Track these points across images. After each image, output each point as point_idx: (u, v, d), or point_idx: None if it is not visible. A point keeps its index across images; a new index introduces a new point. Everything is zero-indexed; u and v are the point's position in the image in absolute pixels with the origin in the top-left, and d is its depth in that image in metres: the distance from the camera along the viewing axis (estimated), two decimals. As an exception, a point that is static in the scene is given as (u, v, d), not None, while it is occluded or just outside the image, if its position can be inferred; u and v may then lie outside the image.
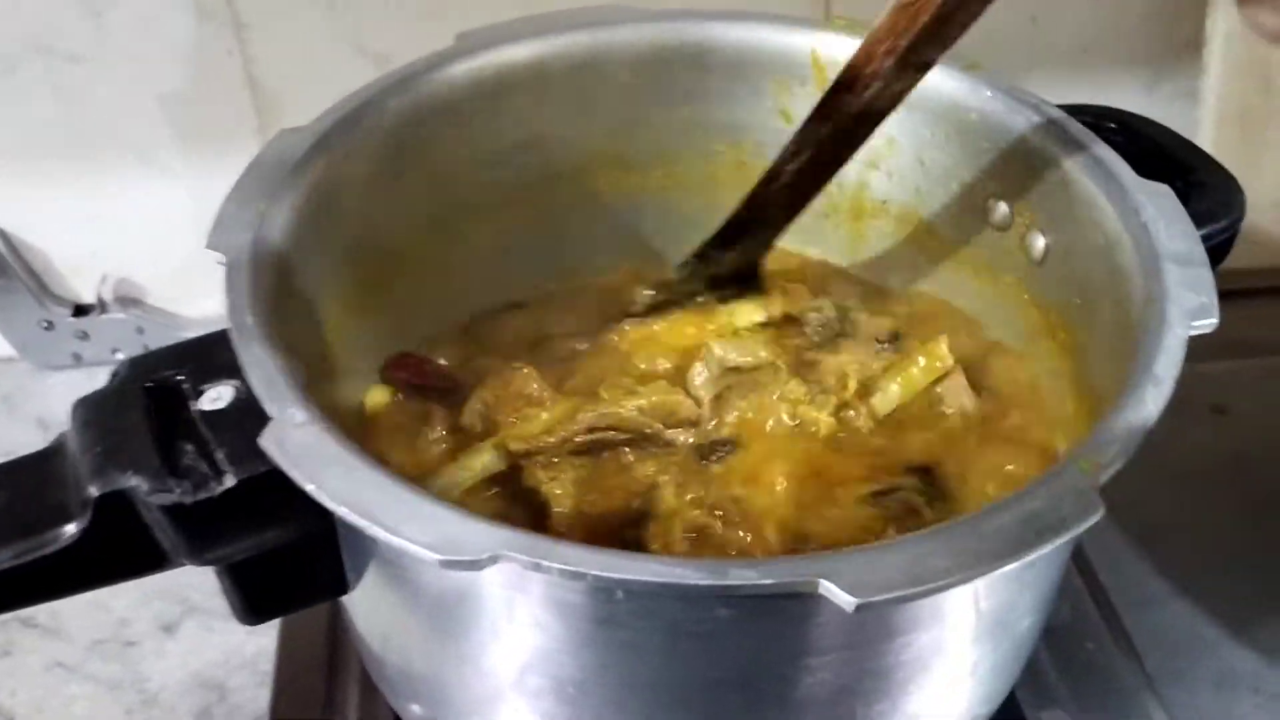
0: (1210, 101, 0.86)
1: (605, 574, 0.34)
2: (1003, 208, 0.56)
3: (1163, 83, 0.92)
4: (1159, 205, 0.48)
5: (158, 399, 0.43)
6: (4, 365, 0.89)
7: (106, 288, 0.88)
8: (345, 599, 0.47)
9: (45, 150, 0.82)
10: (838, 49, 0.59)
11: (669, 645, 0.39)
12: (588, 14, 0.59)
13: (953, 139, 0.57)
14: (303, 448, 0.38)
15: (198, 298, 0.90)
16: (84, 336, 0.89)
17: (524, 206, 0.62)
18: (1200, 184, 0.53)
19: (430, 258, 0.59)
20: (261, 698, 0.66)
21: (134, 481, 0.40)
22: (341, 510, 0.36)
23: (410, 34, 0.79)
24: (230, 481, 0.40)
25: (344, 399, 0.54)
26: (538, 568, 0.35)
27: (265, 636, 0.68)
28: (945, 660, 0.43)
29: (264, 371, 0.40)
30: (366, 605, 0.48)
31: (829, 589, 0.34)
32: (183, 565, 0.42)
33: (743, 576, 0.34)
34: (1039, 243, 0.54)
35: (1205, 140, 0.87)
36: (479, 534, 0.35)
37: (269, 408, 0.39)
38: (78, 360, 0.89)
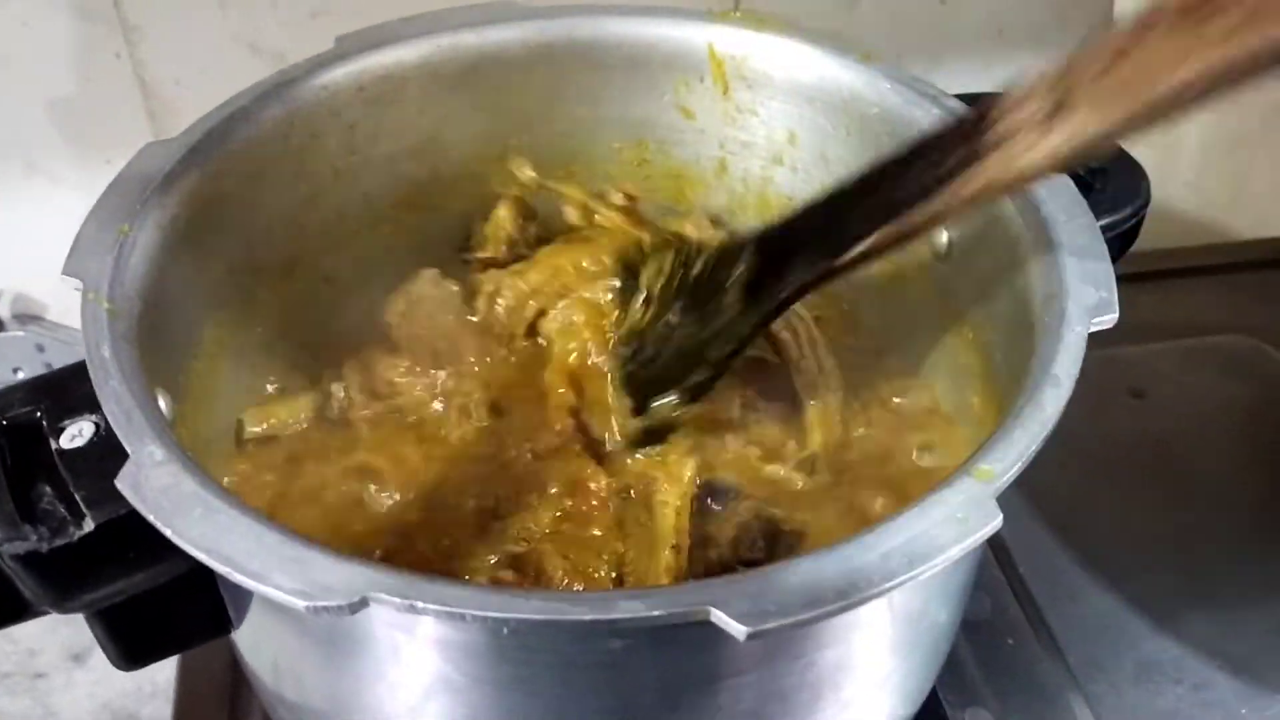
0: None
1: (484, 613, 0.32)
2: (907, 201, 0.54)
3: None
4: (1058, 198, 0.46)
5: (13, 437, 0.41)
6: (-105, 388, 0.85)
7: (3, 304, 0.85)
8: (233, 635, 0.45)
9: (-74, 161, 0.79)
10: (736, 43, 0.57)
11: (562, 679, 0.38)
12: (474, 13, 0.57)
13: (854, 133, 0.55)
14: (161, 489, 0.36)
15: None
16: (-20, 355, 0.85)
17: (419, 210, 0.60)
18: (1103, 171, 0.52)
19: (318, 266, 0.57)
20: (176, 727, 0.64)
21: (-16, 531, 0.37)
22: (202, 556, 0.34)
23: (305, 31, 0.77)
24: (89, 526, 0.38)
25: (222, 417, 0.51)
26: (412, 609, 0.33)
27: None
28: (855, 674, 0.42)
29: (121, 407, 0.38)
30: (253, 643, 0.45)
31: (720, 618, 0.33)
32: (47, 614, 0.40)
33: (630, 609, 0.33)
34: (942, 237, 0.53)
35: (1118, 119, 0.86)
36: (347, 575, 0.33)
37: (127, 445, 0.37)
38: (-26, 381, 0.86)
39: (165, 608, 0.41)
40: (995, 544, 0.62)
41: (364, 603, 0.33)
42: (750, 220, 0.62)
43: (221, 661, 0.61)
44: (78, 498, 0.38)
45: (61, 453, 0.40)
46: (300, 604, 0.33)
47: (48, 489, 0.39)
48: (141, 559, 0.39)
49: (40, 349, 0.86)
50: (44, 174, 0.80)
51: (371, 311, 0.58)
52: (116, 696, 0.69)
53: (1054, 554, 0.63)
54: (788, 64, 0.56)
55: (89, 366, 0.39)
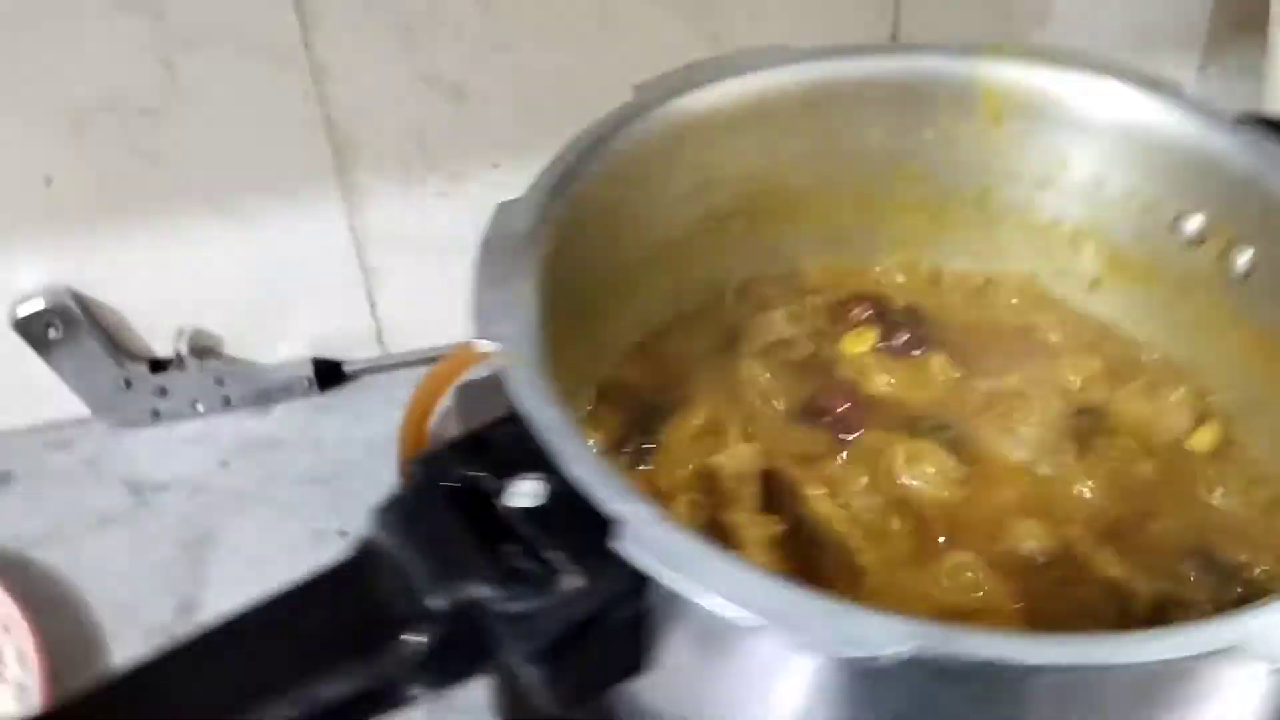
0: (1274, 79, 0.88)
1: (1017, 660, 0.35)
2: (1195, 223, 0.56)
3: (1224, 59, 0.93)
4: None
5: (459, 499, 0.42)
6: (80, 426, 0.86)
7: (183, 341, 0.86)
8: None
9: (116, 206, 0.80)
10: (1007, 75, 0.59)
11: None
12: (751, 57, 0.59)
13: (1136, 155, 0.57)
14: (662, 545, 0.38)
15: (273, 344, 0.89)
16: (162, 393, 0.87)
17: (693, 251, 0.62)
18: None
19: (612, 305, 0.59)
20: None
21: (482, 591, 0.39)
22: (738, 612, 0.36)
23: (483, 65, 0.79)
24: (576, 583, 0.39)
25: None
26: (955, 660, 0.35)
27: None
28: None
29: (590, 469, 0.40)
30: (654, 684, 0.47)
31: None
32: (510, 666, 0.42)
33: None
34: (1242, 258, 0.55)
35: (1270, 120, 0.88)
36: (879, 628, 0.35)
37: (608, 506, 0.39)
38: (156, 416, 0.87)
39: (600, 655, 0.43)
40: None
41: (911, 655, 0.35)
42: (1016, 239, 0.63)
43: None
44: (550, 556, 0.40)
45: (516, 512, 0.41)
46: (858, 654, 0.34)
47: (512, 548, 0.41)
48: (606, 615, 0.41)
49: (219, 382, 0.88)
50: (225, 212, 0.82)
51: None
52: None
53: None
54: (1062, 93, 0.58)
55: (537, 431, 0.41)
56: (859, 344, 0.61)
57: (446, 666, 0.41)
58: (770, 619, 0.35)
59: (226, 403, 0.89)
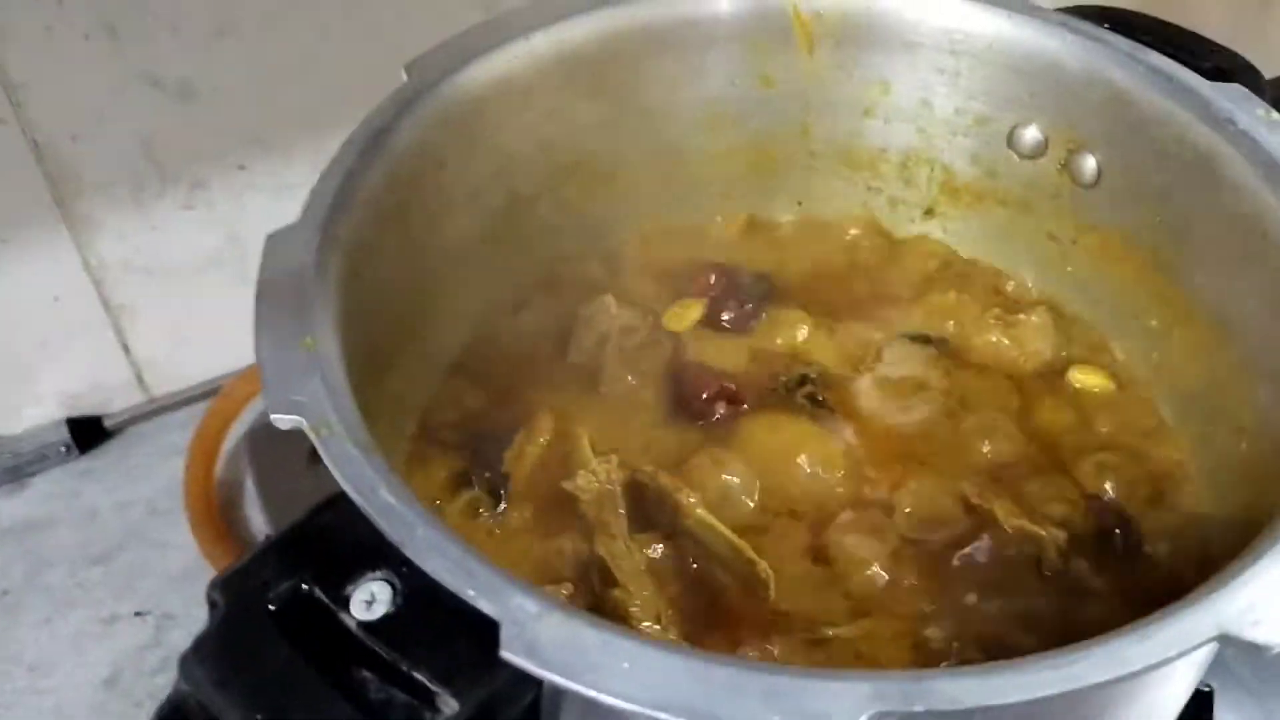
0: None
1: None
2: (1033, 134, 0.53)
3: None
4: (1248, 110, 0.46)
5: (289, 621, 0.34)
6: None
7: None
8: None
9: None
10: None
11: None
12: (529, 16, 0.51)
13: (962, 68, 0.53)
14: (558, 645, 0.30)
15: (17, 409, 0.77)
16: (-104, 495, 0.74)
17: (501, 242, 0.54)
18: (1221, 70, 0.51)
19: (422, 324, 0.51)
20: None
21: (339, 749, 0.31)
22: (657, 714, 0.29)
23: (208, 56, 0.69)
24: (452, 707, 0.32)
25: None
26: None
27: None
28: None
29: (451, 560, 0.32)
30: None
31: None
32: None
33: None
34: (1088, 164, 0.51)
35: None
36: (835, 698, 0.29)
37: (489, 607, 0.31)
38: (-107, 531, 0.74)
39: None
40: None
41: (875, 720, 0.29)
42: (838, 173, 0.58)
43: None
44: (418, 677, 0.32)
45: (364, 626, 0.33)
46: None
47: (366, 673, 0.33)
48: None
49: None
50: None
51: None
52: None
53: None
54: (875, 9, 0.53)
55: (375, 520, 0.33)
56: (682, 319, 0.55)
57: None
58: (706, 717, 0.29)
59: (-46, 503, 0.76)
